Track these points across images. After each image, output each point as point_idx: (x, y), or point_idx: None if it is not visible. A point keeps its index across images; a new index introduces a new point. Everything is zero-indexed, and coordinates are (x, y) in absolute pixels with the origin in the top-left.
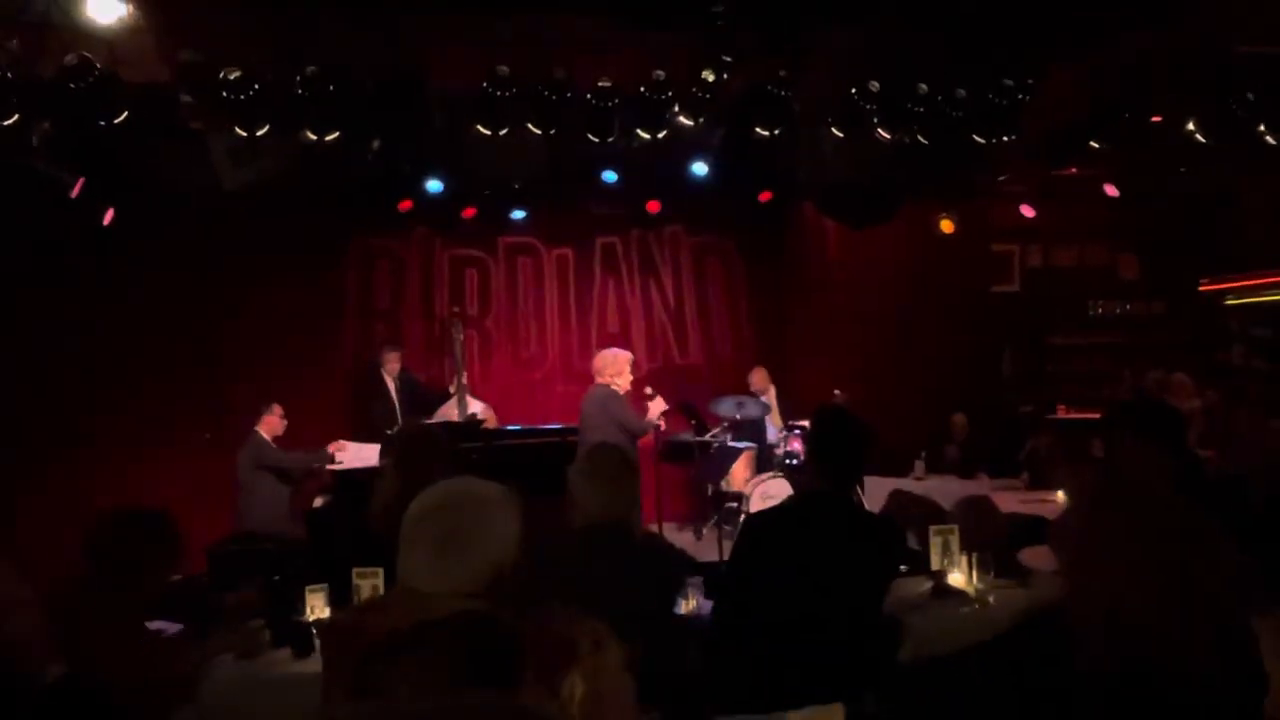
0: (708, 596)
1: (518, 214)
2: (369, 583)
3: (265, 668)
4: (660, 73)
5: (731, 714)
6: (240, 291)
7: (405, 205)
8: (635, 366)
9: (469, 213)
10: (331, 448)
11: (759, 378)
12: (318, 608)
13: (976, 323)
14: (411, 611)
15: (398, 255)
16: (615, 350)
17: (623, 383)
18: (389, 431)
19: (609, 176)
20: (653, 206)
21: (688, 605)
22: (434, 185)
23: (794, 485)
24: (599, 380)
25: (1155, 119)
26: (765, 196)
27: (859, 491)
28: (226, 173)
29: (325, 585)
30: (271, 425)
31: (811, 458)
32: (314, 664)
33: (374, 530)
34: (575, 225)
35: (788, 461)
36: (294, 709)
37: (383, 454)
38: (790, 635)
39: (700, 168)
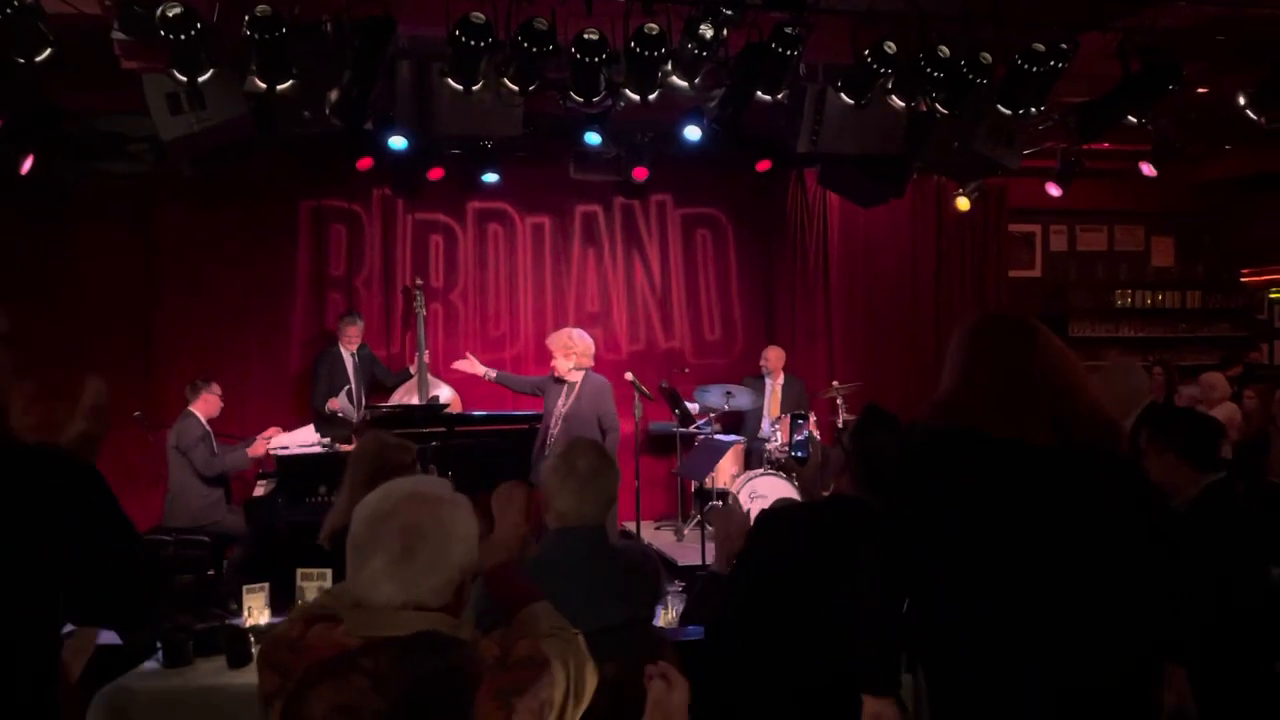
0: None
1: (490, 177)
2: (314, 584)
3: (197, 678)
4: (653, 26)
5: None
6: (178, 254)
7: (365, 164)
8: (615, 349)
9: (435, 174)
10: (261, 441)
11: (774, 358)
12: (256, 609)
13: (991, 309)
14: (364, 626)
15: (355, 219)
16: (580, 330)
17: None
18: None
19: (592, 139)
20: (639, 173)
21: (666, 616)
22: (397, 142)
23: (798, 478)
24: (574, 364)
25: (1201, 90)
26: (763, 166)
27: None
28: (164, 121)
29: (266, 585)
30: (209, 405)
31: (849, 462)
32: (251, 674)
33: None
34: (553, 191)
35: (795, 454)
36: None
37: (322, 432)
38: (789, 649)
39: (693, 132)
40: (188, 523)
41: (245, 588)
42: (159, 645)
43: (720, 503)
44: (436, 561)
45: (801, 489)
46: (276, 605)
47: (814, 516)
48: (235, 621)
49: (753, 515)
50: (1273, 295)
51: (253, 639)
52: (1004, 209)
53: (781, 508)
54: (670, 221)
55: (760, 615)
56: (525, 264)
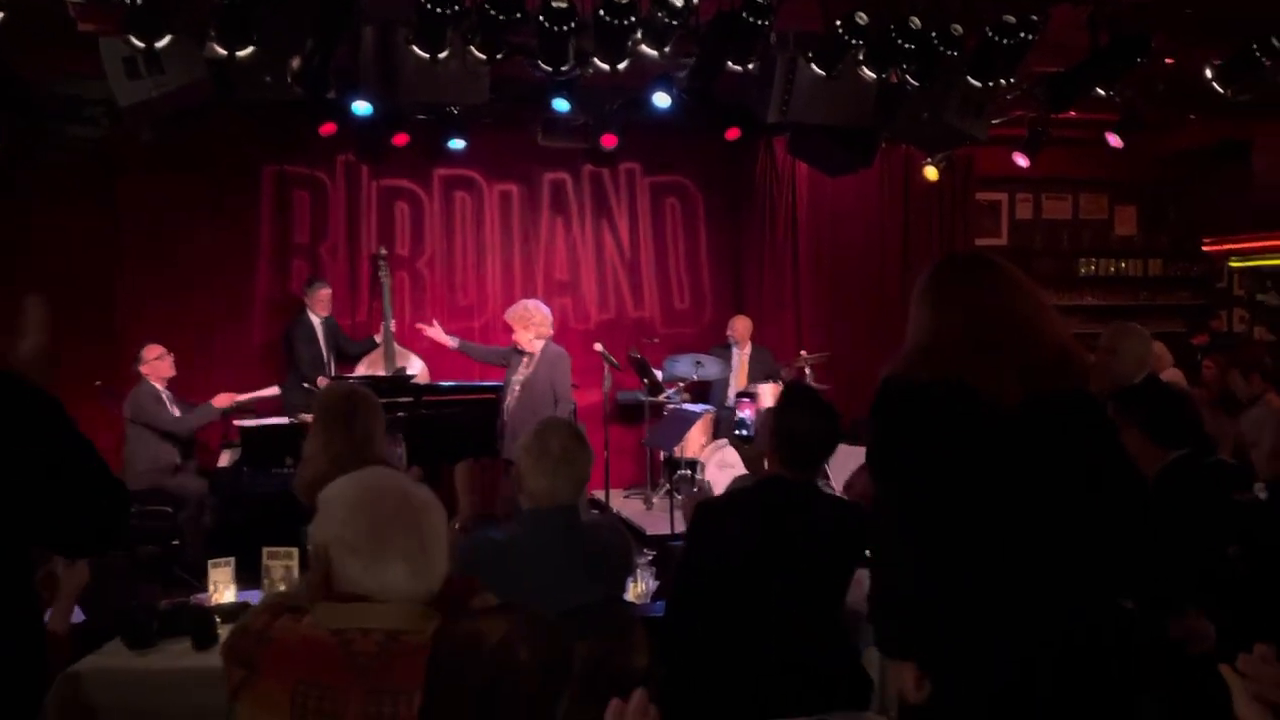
0: (658, 577)
1: (456, 144)
2: (281, 564)
3: (161, 660)
4: None
5: None
6: (139, 220)
7: (328, 129)
8: (584, 318)
9: (401, 140)
10: (218, 401)
11: (741, 327)
12: (222, 584)
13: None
14: (335, 619)
15: (319, 185)
16: (536, 301)
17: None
18: (312, 384)
19: (560, 105)
20: (608, 141)
21: (636, 589)
22: (361, 108)
23: (743, 458)
24: (534, 335)
25: (1168, 61)
26: (733, 134)
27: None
28: (121, 86)
29: (231, 559)
30: (158, 370)
31: (774, 443)
32: (217, 656)
33: (302, 501)
34: (521, 158)
35: (737, 432)
36: (196, 710)
37: (291, 407)
38: (745, 634)
39: (662, 99)
40: (140, 486)
41: (210, 562)
42: (122, 626)
43: (689, 471)
44: (441, 557)
45: (747, 468)
46: (243, 579)
47: (745, 506)
48: (200, 597)
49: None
50: (1232, 264)
51: (218, 620)
52: (971, 178)
53: (714, 501)
54: (639, 189)
55: (707, 605)
56: (493, 232)
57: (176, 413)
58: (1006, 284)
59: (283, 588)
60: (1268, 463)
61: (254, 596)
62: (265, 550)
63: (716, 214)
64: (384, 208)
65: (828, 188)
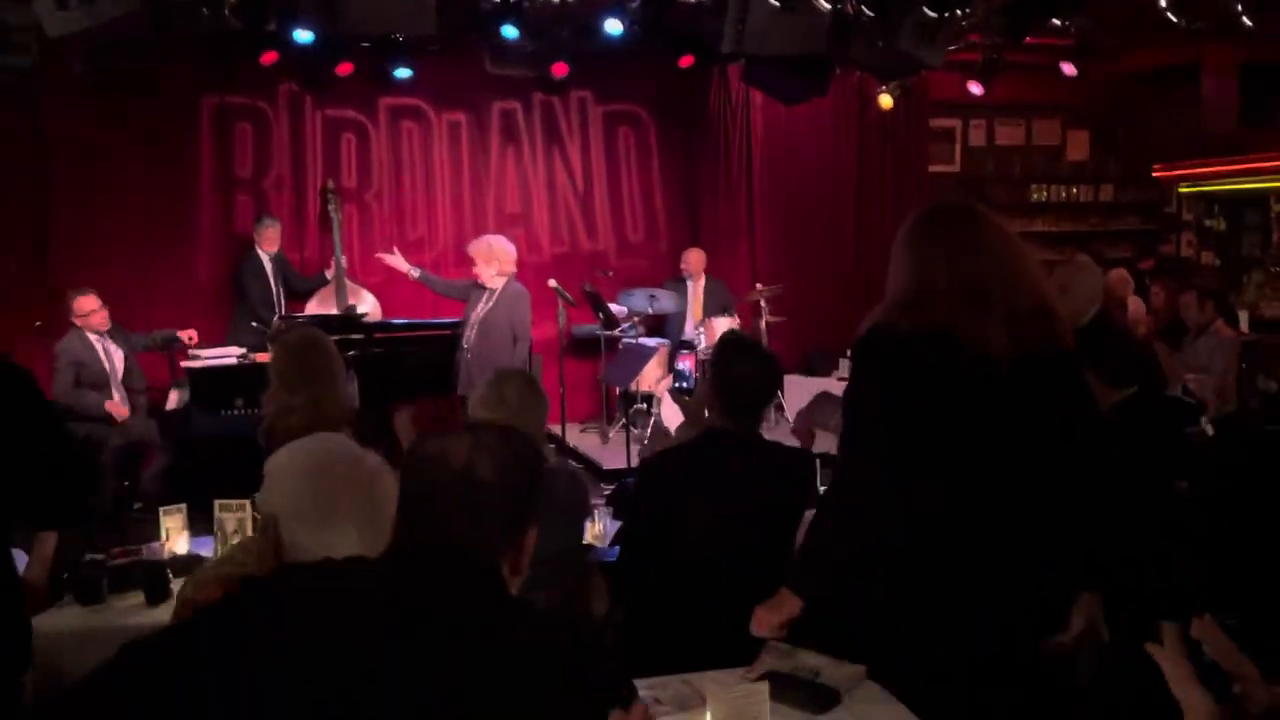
0: (615, 517)
1: (402, 72)
2: (234, 516)
3: (113, 617)
4: None
5: (645, 672)
6: (71, 154)
7: (269, 58)
8: (538, 250)
9: (345, 69)
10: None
11: (694, 260)
12: (174, 531)
13: (911, 207)
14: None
15: (262, 116)
16: (501, 238)
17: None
18: (266, 323)
19: (509, 32)
20: (559, 69)
21: (594, 529)
22: (303, 36)
23: (683, 411)
24: (496, 271)
25: None
26: (686, 62)
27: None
28: (50, 17)
29: (183, 506)
30: (90, 324)
31: (714, 394)
32: (169, 611)
33: (265, 448)
34: (470, 87)
35: (676, 385)
36: None
37: (240, 344)
38: (697, 588)
39: (614, 26)
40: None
41: (162, 510)
42: (73, 583)
43: (645, 406)
44: (388, 524)
45: (688, 418)
46: (195, 525)
47: (687, 460)
48: (154, 546)
49: (668, 418)
50: (1181, 189)
51: (170, 574)
52: (924, 104)
53: (656, 458)
54: (591, 119)
55: (656, 556)
56: (442, 163)
57: (77, 383)
58: (993, 234)
59: (236, 539)
60: (1216, 396)
61: (207, 544)
62: (217, 503)
63: (670, 143)
64: (329, 139)
65: (782, 116)
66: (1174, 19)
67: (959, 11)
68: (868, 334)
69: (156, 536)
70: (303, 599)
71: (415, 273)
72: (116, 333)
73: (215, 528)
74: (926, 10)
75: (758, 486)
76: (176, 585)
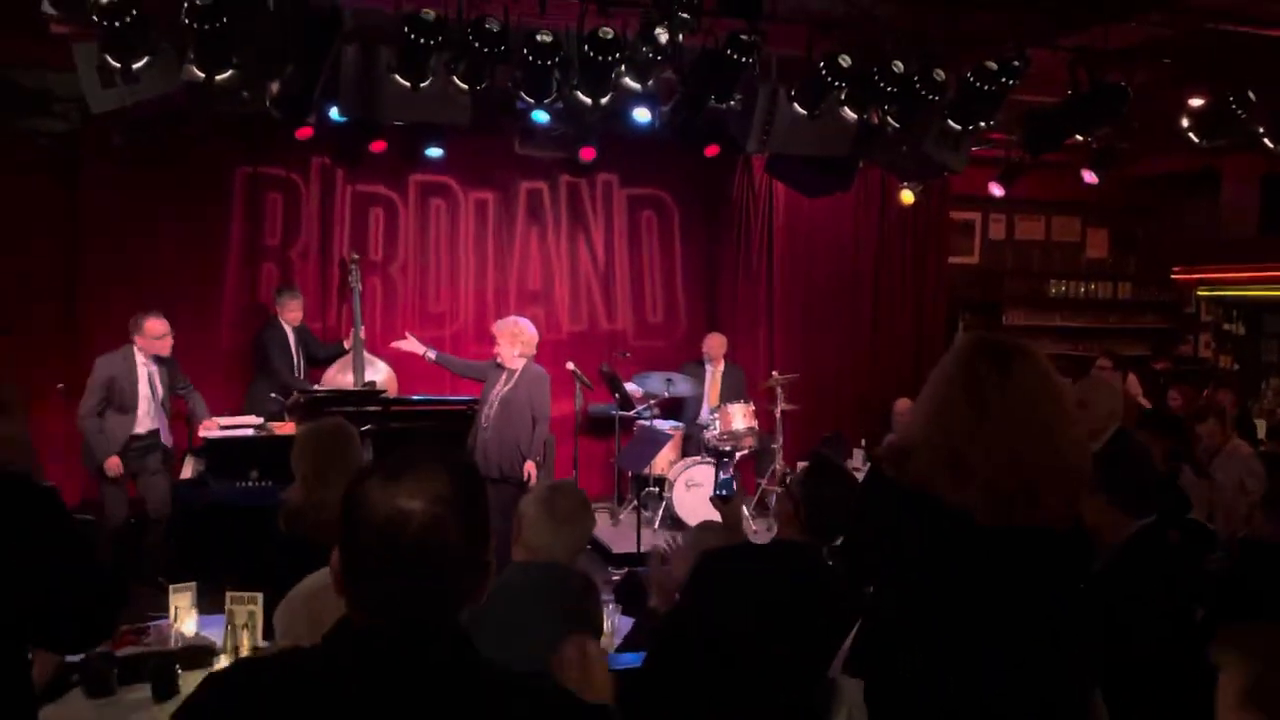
0: (625, 613)
1: (434, 152)
2: (245, 609)
3: (120, 711)
4: (608, 30)
5: None
6: (104, 219)
7: (304, 133)
8: (557, 328)
9: (378, 147)
10: (115, 464)
11: (715, 344)
12: (182, 611)
13: (929, 298)
14: None
15: (293, 188)
16: (526, 320)
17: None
18: (287, 394)
19: (540, 117)
20: (586, 154)
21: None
22: (339, 113)
23: (721, 515)
24: (519, 352)
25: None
26: (712, 151)
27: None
28: (94, 93)
29: (193, 584)
30: (151, 347)
31: (796, 510)
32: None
33: (284, 532)
34: (498, 167)
35: (720, 493)
36: None
37: (259, 413)
38: (727, 701)
39: (642, 115)
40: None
41: (171, 587)
42: (83, 675)
43: (657, 488)
44: None
45: (725, 525)
46: (204, 601)
47: (759, 569)
48: (160, 625)
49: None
50: (1200, 292)
51: (179, 669)
52: (946, 197)
53: (725, 557)
54: (616, 201)
55: (693, 660)
56: (467, 240)
57: (98, 413)
58: (1044, 396)
59: (246, 633)
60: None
61: (217, 623)
62: (229, 594)
63: (693, 228)
64: (358, 212)
65: (804, 206)
66: (1195, 139)
67: (982, 124)
68: (879, 483)
69: (163, 609)
70: (261, 694)
71: (432, 355)
72: (166, 362)
73: (226, 619)
74: (950, 122)
75: (815, 608)
76: (185, 678)
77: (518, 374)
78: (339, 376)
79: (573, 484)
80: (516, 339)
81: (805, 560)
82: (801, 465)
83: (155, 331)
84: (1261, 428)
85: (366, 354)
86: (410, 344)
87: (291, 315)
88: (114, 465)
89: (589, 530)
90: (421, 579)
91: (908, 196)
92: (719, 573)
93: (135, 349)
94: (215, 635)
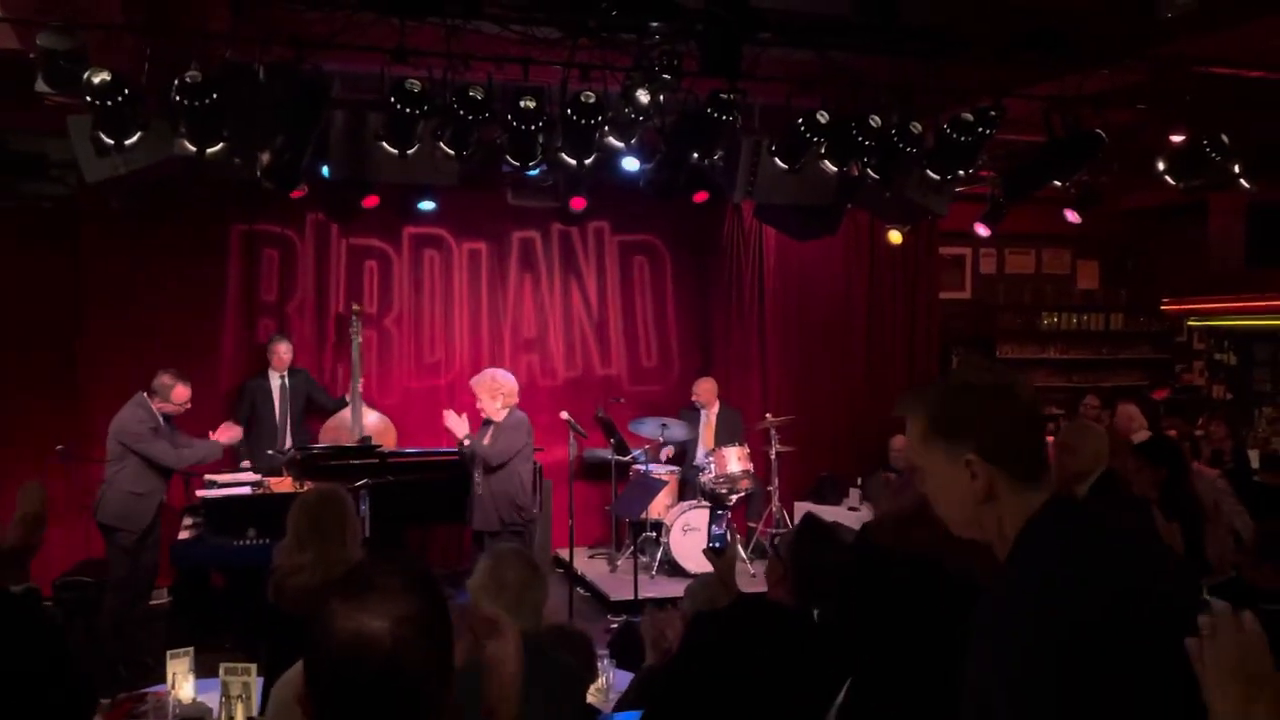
0: (621, 666)
1: (426, 205)
2: (239, 680)
3: None
4: (590, 94)
5: None
6: (103, 278)
7: (298, 193)
8: (551, 375)
9: (370, 202)
10: (225, 429)
11: (705, 389)
12: (180, 678)
13: (922, 333)
14: None
15: (288, 243)
16: (503, 370)
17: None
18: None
19: (530, 170)
20: (577, 204)
21: (598, 684)
22: (329, 174)
23: (714, 568)
24: (501, 404)
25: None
26: (700, 197)
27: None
28: (89, 163)
29: (190, 650)
30: (170, 399)
31: (786, 573)
32: None
33: (279, 607)
34: (490, 217)
35: (713, 545)
36: None
37: (253, 466)
38: None
39: (631, 164)
40: (112, 521)
41: (169, 653)
42: None
43: (654, 533)
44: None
45: (719, 579)
46: (201, 662)
47: (748, 634)
48: (158, 689)
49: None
50: (1191, 323)
51: None
52: (935, 233)
53: (718, 618)
54: (608, 248)
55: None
56: (461, 290)
57: (174, 444)
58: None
59: (240, 705)
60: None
61: (213, 687)
62: (222, 666)
63: (684, 273)
64: (353, 266)
65: (794, 248)
66: (1172, 181)
67: (961, 173)
68: (872, 553)
69: (160, 676)
70: None
71: (467, 440)
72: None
73: (220, 692)
74: (930, 173)
75: (804, 671)
76: None
77: (501, 425)
78: (337, 428)
79: (512, 550)
80: (497, 391)
81: (794, 624)
82: (798, 505)
83: (181, 398)
84: (1255, 458)
85: (364, 405)
86: (458, 423)
87: (279, 361)
88: (228, 430)
89: (545, 592)
90: (386, 709)
91: (896, 236)
92: (710, 639)
93: (154, 410)
94: (213, 700)
